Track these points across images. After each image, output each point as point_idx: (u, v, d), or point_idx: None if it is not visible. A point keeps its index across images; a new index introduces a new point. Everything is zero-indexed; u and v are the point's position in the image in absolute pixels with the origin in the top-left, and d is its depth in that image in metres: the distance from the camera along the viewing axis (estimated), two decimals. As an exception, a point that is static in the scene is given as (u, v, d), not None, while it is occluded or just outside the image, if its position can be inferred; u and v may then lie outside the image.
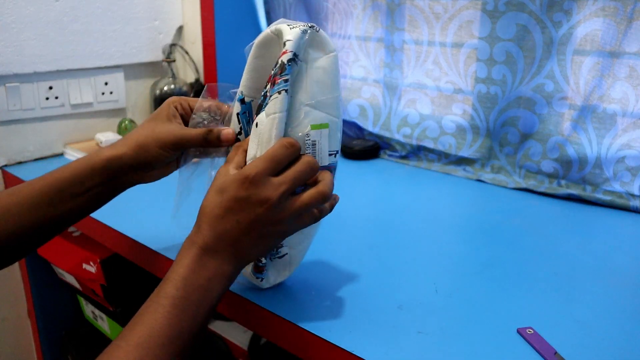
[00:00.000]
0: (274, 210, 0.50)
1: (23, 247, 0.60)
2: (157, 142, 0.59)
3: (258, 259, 0.56)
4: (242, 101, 0.58)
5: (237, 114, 0.58)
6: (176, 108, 0.62)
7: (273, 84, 0.51)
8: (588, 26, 0.86)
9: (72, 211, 0.60)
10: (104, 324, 1.04)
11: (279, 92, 0.51)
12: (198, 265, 0.49)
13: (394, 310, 0.57)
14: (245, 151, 0.54)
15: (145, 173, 0.61)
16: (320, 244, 0.72)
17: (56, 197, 0.59)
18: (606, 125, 0.88)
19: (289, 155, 0.51)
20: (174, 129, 0.60)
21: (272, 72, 0.52)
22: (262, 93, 0.53)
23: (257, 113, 0.53)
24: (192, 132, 0.59)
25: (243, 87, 0.58)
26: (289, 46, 0.51)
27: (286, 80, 0.51)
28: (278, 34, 0.54)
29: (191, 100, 0.63)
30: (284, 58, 0.51)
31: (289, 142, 0.51)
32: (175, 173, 0.66)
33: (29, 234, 0.59)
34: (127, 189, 0.63)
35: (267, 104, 0.52)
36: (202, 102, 0.62)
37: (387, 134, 1.14)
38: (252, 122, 0.54)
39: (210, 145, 0.59)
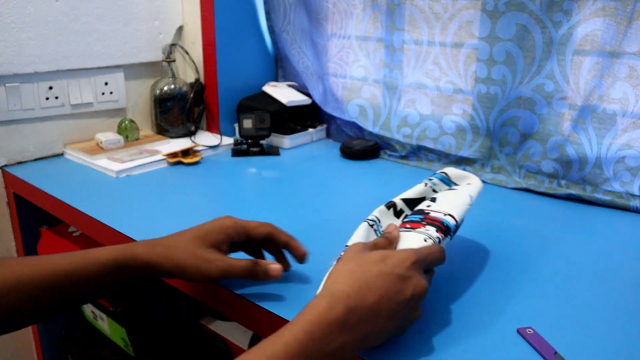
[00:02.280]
0: (420, 299, 0.49)
1: (24, 321, 0.56)
2: (198, 271, 0.56)
3: (373, 347, 0.50)
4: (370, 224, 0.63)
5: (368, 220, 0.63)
6: (229, 234, 0.59)
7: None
8: (588, 26, 0.86)
9: (87, 298, 0.57)
10: (104, 324, 1.04)
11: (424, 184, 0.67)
12: (324, 334, 0.43)
13: (394, 310, 0.57)
14: (386, 240, 0.56)
15: (172, 278, 0.60)
16: (321, 244, 0.72)
17: (76, 286, 0.54)
18: (606, 125, 0.88)
19: (438, 263, 0.54)
20: (218, 261, 0.56)
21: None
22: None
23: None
24: (236, 265, 0.56)
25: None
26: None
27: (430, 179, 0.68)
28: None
29: (247, 224, 0.61)
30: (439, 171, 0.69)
31: (444, 253, 0.54)
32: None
33: (35, 312, 0.54)
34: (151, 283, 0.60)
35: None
36: (260, 228, 0.61)
37: (387, 134, 1.14)
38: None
39: (255, 278, 0.57)
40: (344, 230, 0.77)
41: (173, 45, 1.25)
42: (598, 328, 0.55)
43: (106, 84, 1.17)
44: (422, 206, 0.64)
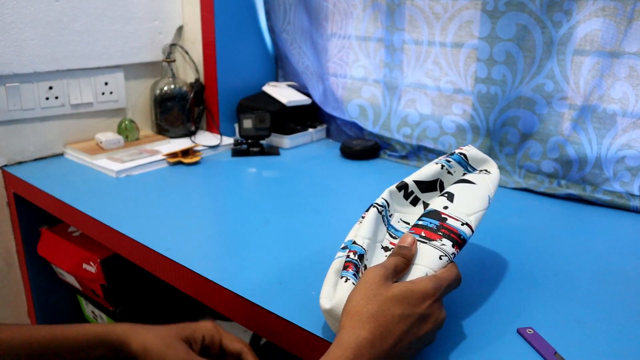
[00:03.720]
0: (435, 331, 0.50)
1: None
2: (161, 355, 0.57)
3: None
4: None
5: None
6: (203, 335, 0.61)
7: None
8: (588, 26, 0.86)
9: None
10: (104, 324, 1.04)
11: (441, 166, 0.64)
12: None
13: (394, 310, 0.57)
14: (405, 260, 0.54)
15: None
16: (321, 244, 0.72)
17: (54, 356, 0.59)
18: (606, 125, 0.88)
19: (454, 288, 0.53)
20: (182, 353, 0.58)
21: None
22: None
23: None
24: None
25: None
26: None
27: (448, 161, 0.65)
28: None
29: (224, 334, 0.62)
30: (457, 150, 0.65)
31: (460, 279, 0.54)
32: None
33: None
34: None
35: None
36: (234, 342, 0.61)
37: (387, 134, 1.14)
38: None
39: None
40: (343, 230, 0.77)
41: (173, 45, 1.25)
42: (598, 328, 0.55)
43: (106, 84, 1.17)
44: (438, 206, 0.59)
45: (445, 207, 0.59)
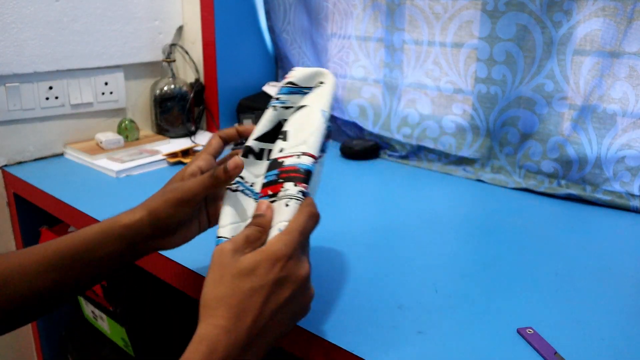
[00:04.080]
0: (305, 282, 0.47)
1: (32, 311, 0.56)
2: (166, 203, 0.54)
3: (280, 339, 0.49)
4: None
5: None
6: (200, 169, 0.58)
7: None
8: (588, 26, 0.86)
9: (84, 278, 0.55)
10: (104, 324, 1.04)
11: (268, 107, 0.57)
12: None
13: (394, 310, 0.57)
14: (260, 229, 0.49)
15: (162, 239, 0.56)
16: (320, 244, 0.72)
17: (68, 263, 0.54)
18: (606, 125, 0.88)
19: (315, 227, 0.50)
20: (180, 184, 0.55)
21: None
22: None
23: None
24: (198, 180, 0.54)
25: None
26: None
27: (277, 99, 0.57)
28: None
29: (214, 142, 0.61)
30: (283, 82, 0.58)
31: (315, 214, 0.50)
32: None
33: (38, 299, 0.54)
34: (146, 255, 0.57)
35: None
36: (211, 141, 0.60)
37: (387, 134, 1.14)
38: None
39: (218, 182, 0.53)
40: (343, 230, 0.77)
41: (173, 45, 1.25)
42: (598, 328, 0.55)
43: (106, 84, 1.17)
44: (275, 152, 0.54)
45: (282, 150, 0.54)
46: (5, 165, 1.06)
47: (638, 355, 0.51)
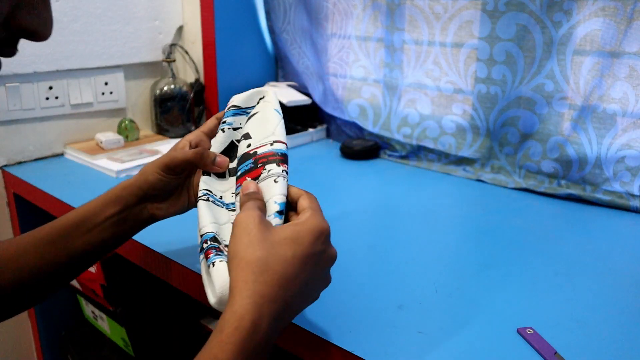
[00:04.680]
0: (329, 269, 0.48)
1: (43, 286, 0.59)
2: (154, 167, 0.59)
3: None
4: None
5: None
6: (190, 142, 0.62)
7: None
8: (588, 26, 0.86)
9: (89, 246, 0.58)
10: (104, 324, 1.04)
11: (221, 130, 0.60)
12: (257, 349, 0.39)
13: (394, 310, 0.57)
14: (261, 202, 0.49)
15: (152, 204, 0.61)
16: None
17: (73, 232, 0.58)
18: (606, 125, 0.88)
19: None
20: (169, 153, 0.60)
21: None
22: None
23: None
24: (184, 151, 0.59)
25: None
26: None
27: (224, 122, 0.61)
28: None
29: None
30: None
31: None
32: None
33: (49, 272, 0.58)
34: (143, 225, 0.62)
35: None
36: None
37: (387, 134, 1.14)
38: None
39: (202, 165, 0.58)
40: (343, 230, 0.77)
41: (173, 45, 1.25)
42: (598, 328, 0.55)
43: (106, 84, 1.17)
44: (241, 149, 0.57)
45: (249, 145, 0.56)
46: (5, 165, 1.06)
47: (638, 355, 0.51)
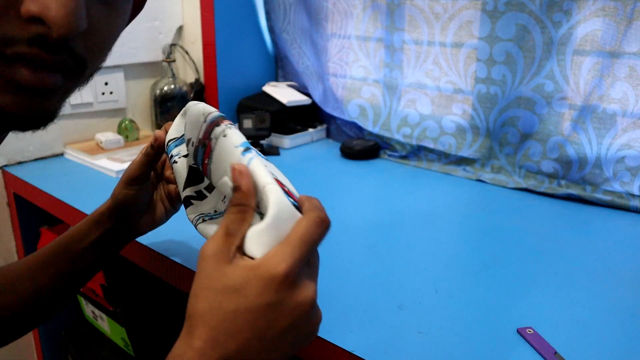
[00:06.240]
0: (310, 309, 0.39)
1: (39, 310, 0.62)
2: (119, 186, 0.60)
3: None
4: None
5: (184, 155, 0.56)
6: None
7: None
8: (588, 26, 0.86)
9: (78, 269, 0.61)
10: (104, 324, 1.04)
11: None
12: None
13: (394, 310, 0.57)
14: (241, 208, 0.40)
15: (132, 222, 0.62)
16: (320, 245, 0.72)
17: (61, 256, 0.60)
18: (606, 125, 0.88)
19: (323, 236, 0.41)
20: (127, 167, 0.61)
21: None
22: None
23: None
24: (134, 160, 0.59)
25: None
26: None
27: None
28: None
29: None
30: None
31: (324, 220, 0.40)
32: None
33: (44, 296, 0.60)
34: (128, 242, 0.64)
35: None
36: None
37: (387, 134, 1.14)
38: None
39: (149, 158, 0.58)
40: (343, 231, 0.77)
41: (173, 45, 1.25)
42: (598, 328, 0.55)
43: (106, 84, 1.17)
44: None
45: (224, 199, 0.54)
46: (5, 165, 1.06)
47: (638, 355, 0.51)
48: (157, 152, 0.58)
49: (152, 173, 0.62)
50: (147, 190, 0.62)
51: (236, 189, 0.40)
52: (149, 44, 1.22)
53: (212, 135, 0.46)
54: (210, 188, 0.56)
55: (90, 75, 0.40)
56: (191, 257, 0.69)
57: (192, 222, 0.55)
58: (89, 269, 0.62)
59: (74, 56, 0.36)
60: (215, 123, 0.46)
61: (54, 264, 0.60)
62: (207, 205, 0.56)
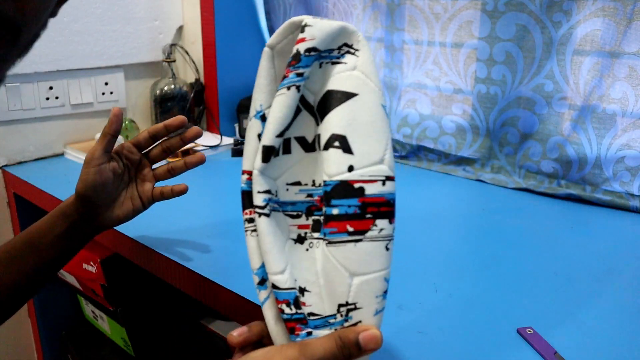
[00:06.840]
0: None
1: (4, 306, 0.63)
2: (81, 177, 0.61)
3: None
4: (263, 117, 0.43)
5: (258, 134, 0.43)
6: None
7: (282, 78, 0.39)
8: (588, 26, 0.86)
9: (40, 264, 0.62)
10: (104, 324, 1.04)
11: (288, 88, 0.39)
12: None
13: (394, 310, 0.57)
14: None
15: (97, 215, 0.63)
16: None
17: (23, 252, 0.62)
18: (606, 125, 0.88)
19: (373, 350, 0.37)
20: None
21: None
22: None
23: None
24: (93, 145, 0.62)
25: (262, 99, 0.43)
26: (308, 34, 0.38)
27: (300, 74, 0.39)
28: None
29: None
30: (301, 47, 0.39)
31: (377, 337, 0.37)
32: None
33: (7, 294, 0.61)
34: (89, 238, 0.65)
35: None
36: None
37: (387, 134, 1.14)
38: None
39: (107, 138, 0.61)
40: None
41: (173, 45, 1.25)
42: (598, 328, 0.55)
43: (106, 84, 1.17)
44: (338, 166, 0.39)
45: (351, 168, 0.39)
46: (5, 165, 1.06)
47: (638, 355, 0.51)
48: (114, 131, 0.62)
49: (126, 172, 0.66)
50: (115, 185, 0.64)
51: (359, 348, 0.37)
52: (149, 44, 1.22)
53: (379, 224, 0.39)
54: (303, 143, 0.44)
55: (29, 42, 0.35)
56: (192, 257, 0.69)
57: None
58: (50, 264, 0.63)
59: (3, 20, 0.31)
60: (390, 209, 0.40)
61: (17, 259, 0.61)
62: (278, 168, 0.44)
